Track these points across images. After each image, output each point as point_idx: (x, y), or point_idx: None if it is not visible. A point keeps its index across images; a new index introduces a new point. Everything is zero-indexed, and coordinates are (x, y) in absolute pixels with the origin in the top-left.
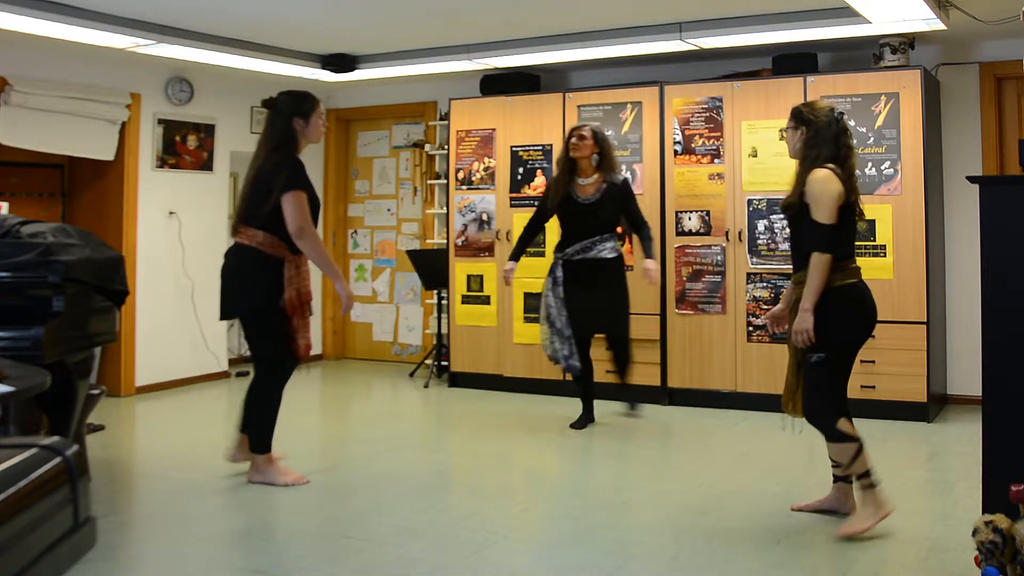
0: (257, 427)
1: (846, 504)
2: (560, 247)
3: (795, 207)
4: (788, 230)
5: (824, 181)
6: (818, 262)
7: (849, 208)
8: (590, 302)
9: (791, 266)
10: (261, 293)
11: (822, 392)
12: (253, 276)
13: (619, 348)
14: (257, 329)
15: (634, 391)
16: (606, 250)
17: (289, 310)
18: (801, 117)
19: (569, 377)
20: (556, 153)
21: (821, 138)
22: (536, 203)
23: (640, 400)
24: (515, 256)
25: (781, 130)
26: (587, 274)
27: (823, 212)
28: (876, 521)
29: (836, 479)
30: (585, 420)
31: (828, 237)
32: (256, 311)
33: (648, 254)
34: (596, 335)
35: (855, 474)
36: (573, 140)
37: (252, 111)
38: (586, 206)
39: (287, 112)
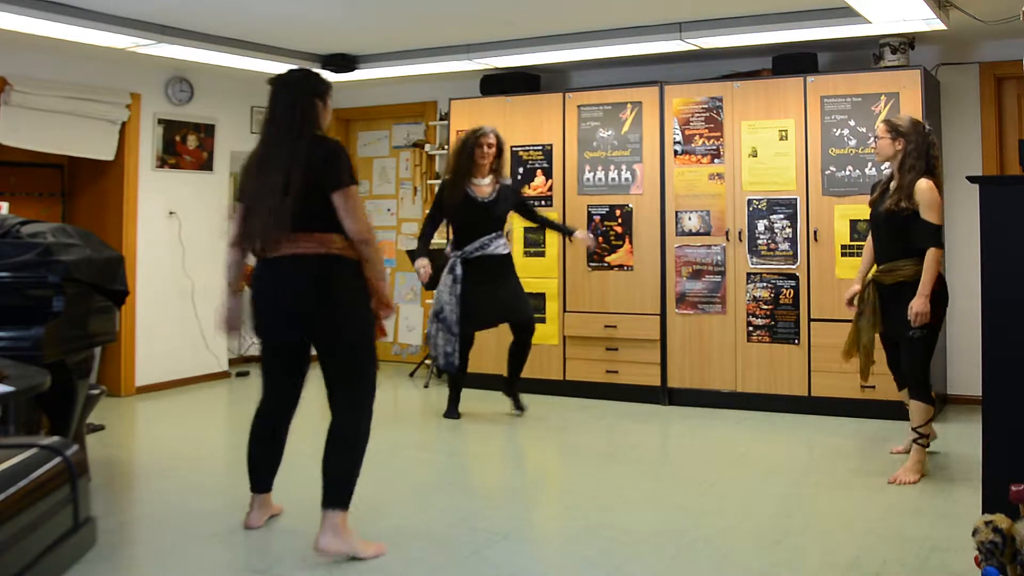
0: (351, 472)
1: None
2: (457, 244)
3: (902, 211)
4: (880, 229)
5: (934, 189)
6: (935, 256)
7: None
8: (488, 297)
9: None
10: (366, 311)
11: (924, 362)
12: (355, 291)
13: (526, 336)
14: (363, 352)
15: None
16: (500, 246)
17: (384, 317)
18: (898, 130)
19: (441, 376)
20: (556, 153)
21: (919, 151)
22: (434, 203)
23: (640, 400)
24: (425, 253)
25: (874, 137)
26: (484, 270)
27: (937, 214)
28: (921, 476)
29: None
30: (455, 412)
31: (940, 235)
32: (366, 332)
33: (571, 229)
34: (500, 324)
35: (920, 433)
36: (485, 148)
37: (252, 111)
38: (484, 204)
39: (309, 91)
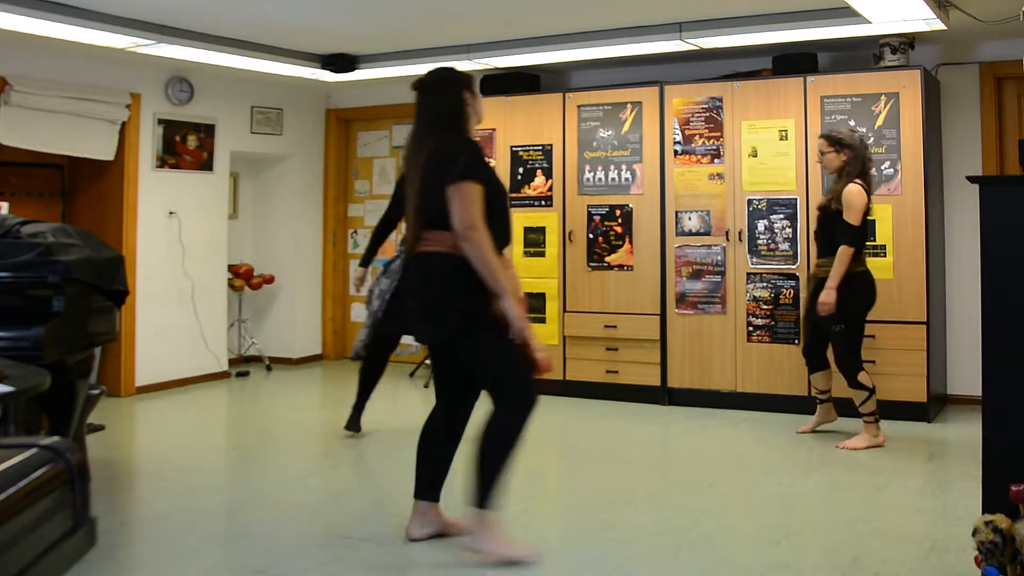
0: (492, 473)
1: (831, 415)
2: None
3: (829, 210)
4: (817, 225)
5: (859, 194)
6: (846, 253)
7: (869, 213)
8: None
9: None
10: (470, 309)
11: (848, 355)
12: (456, 289)
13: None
14: (480, 353)
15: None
16: None
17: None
18: (842, 143)
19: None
20: (556, 153)
21: (858, 158)
22: (389, 203)
23: (640, 400)
24: (366, 262)
25: (822, 151)
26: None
27: (856, 216)
28: (869, 445)
29: (820, 402)
30: (358, 422)
31: (855, 235)
32: (471, 332)
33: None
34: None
35: (864, 412)
36: None
37: (252, 111)
38: None
39: (456, 85)
